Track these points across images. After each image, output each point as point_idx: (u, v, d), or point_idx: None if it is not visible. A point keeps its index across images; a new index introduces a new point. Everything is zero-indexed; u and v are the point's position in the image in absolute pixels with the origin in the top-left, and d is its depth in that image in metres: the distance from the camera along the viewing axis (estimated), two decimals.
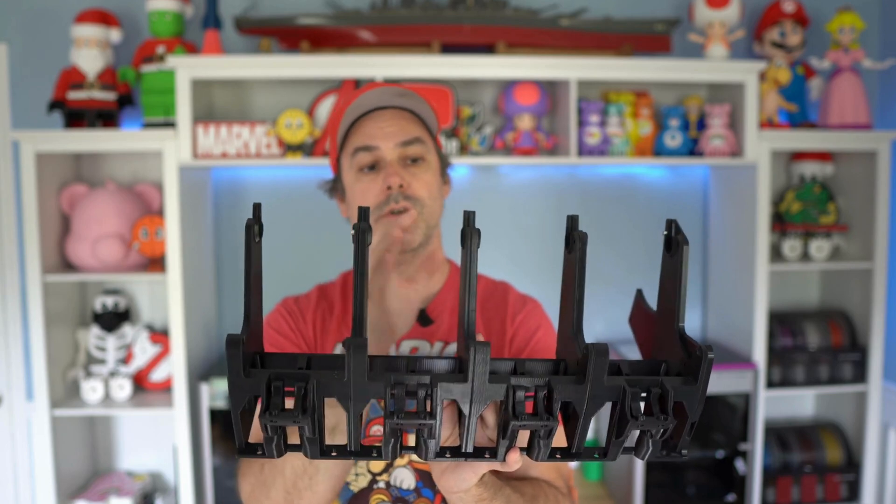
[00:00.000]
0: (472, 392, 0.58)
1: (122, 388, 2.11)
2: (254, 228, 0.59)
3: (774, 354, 2.23)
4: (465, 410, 0.59)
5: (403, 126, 1.02)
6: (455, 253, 1.22)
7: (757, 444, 2.15)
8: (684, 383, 0.59)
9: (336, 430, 0.79)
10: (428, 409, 0.59)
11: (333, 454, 0.61)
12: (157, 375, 2.18)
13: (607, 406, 0.61)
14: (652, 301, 0.69)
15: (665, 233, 0.63)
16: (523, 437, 0.63)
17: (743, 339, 2.23)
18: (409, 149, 1.02)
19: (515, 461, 0.63)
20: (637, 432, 0.61)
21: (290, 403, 0.58)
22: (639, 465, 2.09)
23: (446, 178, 1.12)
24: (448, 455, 0.63)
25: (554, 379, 0.59)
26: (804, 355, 2.25)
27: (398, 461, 0.99)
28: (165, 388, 2.18)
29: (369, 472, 1.00)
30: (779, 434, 2.34)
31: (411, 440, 0.64)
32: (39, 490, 2.06)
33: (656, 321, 0.66)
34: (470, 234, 0.60)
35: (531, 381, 0.59)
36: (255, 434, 0.63)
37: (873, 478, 2.27)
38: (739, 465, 2.16)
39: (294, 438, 0.62)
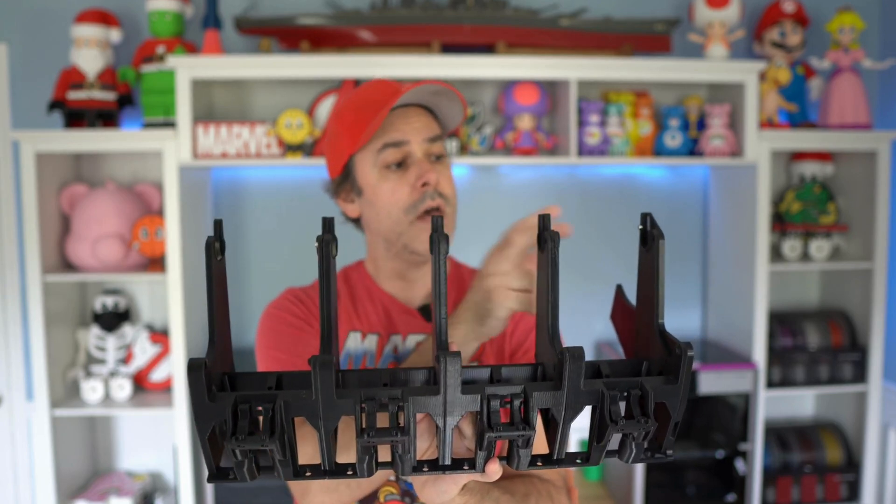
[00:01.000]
0: (445, 404, 0.56)
1: (122, 388, 2.11)
2: (214, 246, 0.57)
3: (774, 354, 2.23)
4: (440, 423, 0.57)
5: (427, 122, 1.01)
6: (461, 251, 1.22)
7: (757, 444, 2.15)
8: (665, 383, 0.58)
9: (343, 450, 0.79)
10: (401, 423, 0.57)
11: (308, 474, 0.59)
12: (157, 375, 2.18)
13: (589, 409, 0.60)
14: (632, 296, 0.68)
15: (640, 227, 0.62)
16: (503, 446, 0.62)
17: (743, 339, 2.23)
18: (435, 145, 1.01)
19: (495, 472, 0.62)
20: (620, 435, 0.59)
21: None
22: (639, 466, 2.09)
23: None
24: (426, 469, 0.61)
25: (530, 386, 0.58)
26: (804, 355, 2.25)
27: None
28: (165, 388, 2.18)
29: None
30: (779, 434, 2.34)
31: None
32: (39, 490, 2.06)
33: (636, 317, 0.65)
34: (437, 240, 0.59)
35: (507, 389, 0.58)
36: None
37: (873, 478, 2.27)
38: (739, 465, 2.16)
39: (268, 460, 0.60)
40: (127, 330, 2.18)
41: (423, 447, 0.66)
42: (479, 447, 0.59)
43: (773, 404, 2.41)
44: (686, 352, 0.57)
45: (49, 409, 2.03)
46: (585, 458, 0.61)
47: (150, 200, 2.17)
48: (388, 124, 0.99)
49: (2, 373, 2.26)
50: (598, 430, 0.58)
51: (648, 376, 0.60)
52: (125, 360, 2.18)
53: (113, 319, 2.15)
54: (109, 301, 2.16)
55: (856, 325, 2.30)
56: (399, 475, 0.60)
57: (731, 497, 2.18)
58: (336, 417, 0.56)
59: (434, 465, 0.62)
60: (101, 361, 2.19)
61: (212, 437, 0.57)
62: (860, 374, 2.25)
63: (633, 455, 0.60)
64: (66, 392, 2.15)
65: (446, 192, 1.00)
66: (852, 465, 2.29)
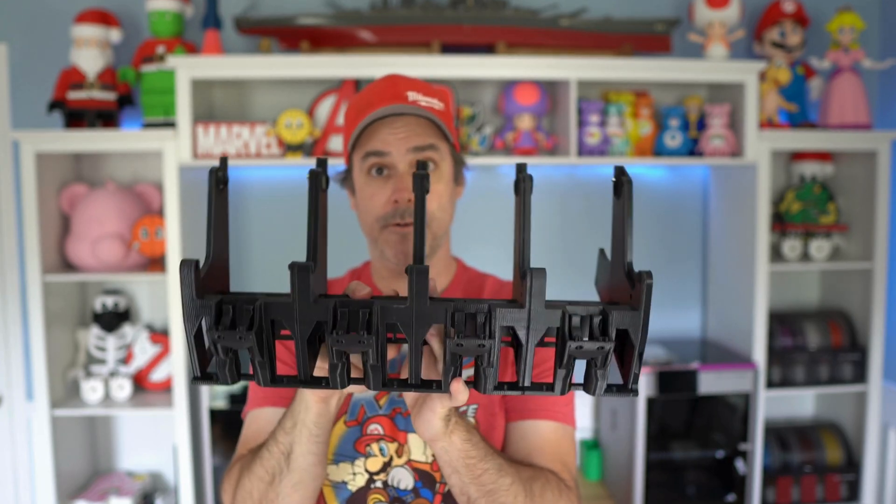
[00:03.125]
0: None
1: (122, 388, 2.11)
2: (216, 175, 0.62)
3: (774, 354, 2.23)
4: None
5: (417, 132, 1.00)
6: (461, 251, 1.22)
7: (757, 444, 2.15)
8: (627, 310, 0.59)
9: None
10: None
11: (395, 387, 0.63)
12: (157, 375, 2.18)
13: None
14: None
15: (613, 179, 0.64)
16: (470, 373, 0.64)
17: (743, 339, 2.23)
18: (422, 154, 1.00)
19: (458, 390, 0.64)
20: (585, 369, 0.61)
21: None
22: (639, 465, 2.09)
23: (460, 178, 1.10)
24: (395, 385, 0.64)
25: (495, 303, 0.60)
26: (804, 355, 2.25)
27: (396, 461, 0.99)
28: (165, 388, 2.18)
29: (366, 471, 1.00)
30: (779, 434, 2.34)
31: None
32: (39, 490, 2.06)
33: (611, 270, 0.67)
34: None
35: (475, 305, 0.61)
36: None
37: (873, 478, 2.27)
38: (739, 465, 2.16)
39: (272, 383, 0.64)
40: (127, 330, 2.18)
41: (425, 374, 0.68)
42: (444, 360, 0.62)
43: (773, 404, 2.41)
44: (645, 279, 0.58)
45: (49, 409, 2.03)
46: (550, 387, 0.63)
47: (150, 200, 2.17)
48: (373, 132, 1.01)
49: (2, 373, 2.26)
50: (560, 352, 0.60)
51: (609, 304, 0.62)
52: (125, 360, 2.18)
53: (113, 319, 2.15)
54: (109, 301, 2.16)
55: (856, 325, 2.30)
56: (369, 387, 0.62)
57: (731, 497, 2.18)
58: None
59: (403, 384, 0.64)
60: (101, 361, 2.19)
61: (198, 342, 0.60)
62: (860, 374, 2.25)
63: (597, 385, 0.61)
64: (66, 392, 2.15)
65: (428, 210, 0.99)
66: (852, 465, 2.29)
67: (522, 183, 0.64)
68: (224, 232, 0.64)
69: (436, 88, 1.06)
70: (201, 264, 0.60)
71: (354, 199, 1.07)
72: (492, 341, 0.59)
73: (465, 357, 0.62)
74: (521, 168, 0.65)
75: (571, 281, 2.44)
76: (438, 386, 0.64)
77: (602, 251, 0.74)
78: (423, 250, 0.61)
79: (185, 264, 0.58)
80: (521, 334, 0.59)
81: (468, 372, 0.66)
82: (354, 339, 0.58)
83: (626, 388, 0.62)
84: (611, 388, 0.62)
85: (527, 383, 0.62)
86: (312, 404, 0.79)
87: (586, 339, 0.59)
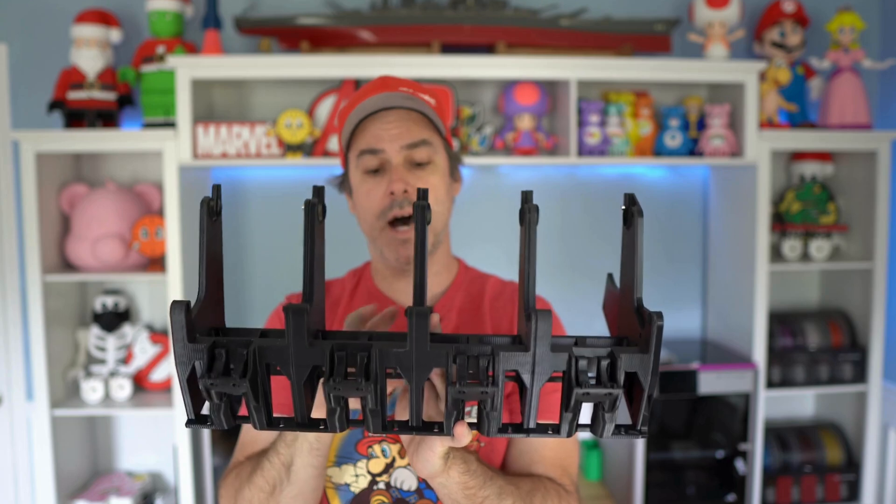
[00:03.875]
0: (414, 359, 0.57)
1: (122, 388, 2.11)
2: (207, 205, 0.59)
3: (774, 354, 2.23)
4: (407, 378, 0.58)
5: (410, 128, 1.00)
6: (461, 251, 1.22)
7: (757, 444, 2.15)
8: (637, 352, 0.57)
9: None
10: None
11: (396, 429, 0.61)
12: (157, 375, 2.18)
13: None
14: None
15: (623, 207, 0.62)
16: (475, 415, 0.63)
17: (743, 339, 2.23)
18: (416, 152, 1.00)
19: (462, 434, 0.63)
20: (592, 409, 0.60)
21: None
22: (639, 465, 2.09)
23: (457, 175, 1.09)
24: (396, 428, 0.62)
25: (499, 347, 0.58)
26: (804, 355, 2.25)
27: (399, 462, 0.99)
28: (165, 388, 2.18)
29: (369, 472, 0.99)
30: (779, 434, 2.34)
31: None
32: (39, 490, 2.06)
33: (620, 298, 0.65)
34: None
35: (478, 348, 0.59)
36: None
37: (873, 478, 2.27)
38: (739, 465, 2.16)
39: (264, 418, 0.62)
40: (127, 330, 2.18)
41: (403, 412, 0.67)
42: (447, 407, 0.60)
43: (773, 404, 2.41)
44: (655, 321, 0.56)
45: (49, 409, 2.03)
46: (556, 428, 0.61)
47: (150, 200, 2.17)
48: (367, 130, 1.01)
49: (2, 373, 2.26)
50: (566, 396, 0.58)
51: (617, 346, 0.60)
52: (125, 360, 2.18)
53: (113, 319, 2.15)
54: (109, 301, 2.16)
55: (856, 325, 2.30)
56: (369, 430, 0.61)
57: (731, 497, 2.18)
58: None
59: (403, 426, 0.62)
60: (101, 361, 2.19)
61: (192, 383, 0.58)
62: (860, 374, 2.25)
63: (604, 428, 0.59)
64: (66, 392, 2.15)
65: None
66: (852, 465, 2.29)
67: (528, 214, 0.61)
68: (218, 265, 0.62)
69: (428, 87, 1.06)
70: (193, 303, 0.58)
71: (352, 201, 1.07)
72: (495, 388, 0.57)
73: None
74: (526, 197, 0.63)
75: (571, 281, 2.45)
76: (441, 428, 0.62)
77: (610, 277, 0.71)
78: (423, 289, 0.59)
79: (175, 307, 0.56)
80: (526, 378, 0.57)
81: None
82: (352, 385, 0.57)
83: (636, 429, 0.60)
84: (619, 430, 0.60)
85: (532, 425, 0.61)
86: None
87: (593, 383, 0.57)
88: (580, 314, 2.55)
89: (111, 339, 2.15)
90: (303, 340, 0.57)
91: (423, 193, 0.60)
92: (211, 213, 0.60)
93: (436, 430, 0.62)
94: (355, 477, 0.99)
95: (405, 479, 0.99)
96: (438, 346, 0.58)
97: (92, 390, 2.09)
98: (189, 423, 0.61)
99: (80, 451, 2.23)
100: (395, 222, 0.99)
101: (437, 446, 0.70)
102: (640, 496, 2.11)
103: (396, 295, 1.07)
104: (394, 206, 0.98)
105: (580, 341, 0.60)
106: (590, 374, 0.58)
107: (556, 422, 0.61)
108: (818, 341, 2.28)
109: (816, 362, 2.25)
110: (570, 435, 0.61)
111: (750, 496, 2.16)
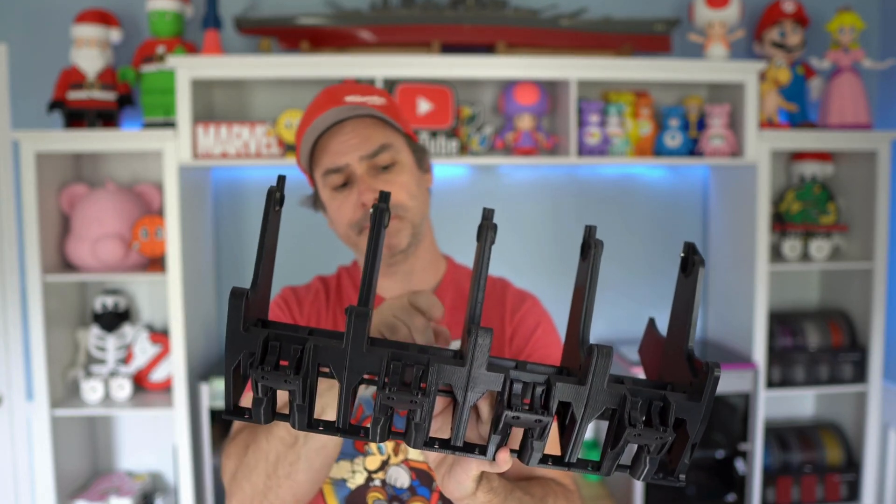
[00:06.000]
0: (469, 378, 0.56)
1: (122, 388, 2.11)
2: (274, 195, 0.59)
3: (774, 354, 2.23)
4: (459, 398, 0.57)
5: (367, 136, 1.00)
6: (450, 248, 1.22)
7: (757, 444, 2.15)
8: (689, 399, 0.57)
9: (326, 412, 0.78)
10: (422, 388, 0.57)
11: (320, 428, 0.59)
12: (157, 375, 2.18)
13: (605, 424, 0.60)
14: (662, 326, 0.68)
15: (682, 255, 0.61)
16: (515, 439, 0.62)
17: (743, 339, 2.23)
18: (377, 159, 1.00)
19: (504, 461, 0.62)
20: (634, 449, 0.59)
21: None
22: None
23: (426, 166, 1.09)
24: (437, 446, 0.61)
25: (555, 377, 0.58)
26: (804, 355, 2.25)
27: (393, 459, 0.99)
28: (165, 388, 2.18)
29: (365, 469, 1.00)
30: (779, 434, 2.34)
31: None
32: (39, 490, 2.06)
33: (665, 343, 0.64)
34: (486, 227, 0.59)
35: (531, 376, 0.58)
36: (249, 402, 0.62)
37: (873, 478, 2.27)
38: (739, 465, 2.16)
39: (286, 411, 0.61)
40: (127, 330, 2.18)
41: (434, 428, 0.65)
42: (493, 430, 0.59)
43: (773, 404, 2.41)
44: (713, 370, 0.56)
45: (49, 409, 2.03)
46: (597, 466, 0.60)
47: (150, 200, 2.17)
48: (326, 147, 1.01)
49: (2, 373, 2.26)
50: (615, 435, 0.58)
51: (671, 392, 0.60)
52: (125, 360, 2.18)
53: (113, 319, 2.15)
54: (109, 301, 2.16)
55: (856, 325, 2.30)
56: (410, 445, 0.59)
57: (731, 497, 2.18)
58: (361, 371, 0.56)
59: (445, 444, 0.61)
60: (101, 361, 2.19)
61: (236, 374, 0.58)
62: (860, 374, 2.25)
63: (645, 471, 0.59)
64: (66, 392, 2.15)
65: (396, 201, 0.99)
66: (852, 465, 2.29)
67: (593, 249, 0.60)
68: (272, 256, 0.61)
69: (373, 88, 1.06)
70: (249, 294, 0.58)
71: (328, 216, 1.08)
72: (550, 419, 0.57)
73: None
74: (590, 232, 0.63)
75: (570, 281, 2.45)
76: (482, 451, 0.61)
77: (652, 321, 0.72)
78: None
79: (235, 295, 0.55)
80: (578, 412, 0.57)
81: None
82: (407, 398, 0.56)
83: (675, 476, 0.60)
84: (657, 475, 0.60)
85: (573, 459, 0.60)
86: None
87: (642, 426, 0.57)
88: None
89: (111, 339, 2.15)
90: (361, 346, 0.56)
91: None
92: (275, 203, 0.59)
93: (476, 452, 0.61)
94: (352, 473, 1.00)
95: (399, 477, 0.99)
96: (495, 369, 0.57)
97: (92, 390, 2.09)
98: (227, 414, 0.60)
99: (80, 451, 2.23)
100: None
101: (472, 469, 0.68)
102: (640, 496, 2.11)
103: (384, 293, 1.07)
104: (366, 216, 0.99)
105: (634, 390, 0.59)
106: (641, 423, 0.58)
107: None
108: (818, 341, 2.28)
109: (816, 362, 2.25)
110: (609, 474, 0.60)
111: (750, 496, 2.16)
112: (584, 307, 0.60)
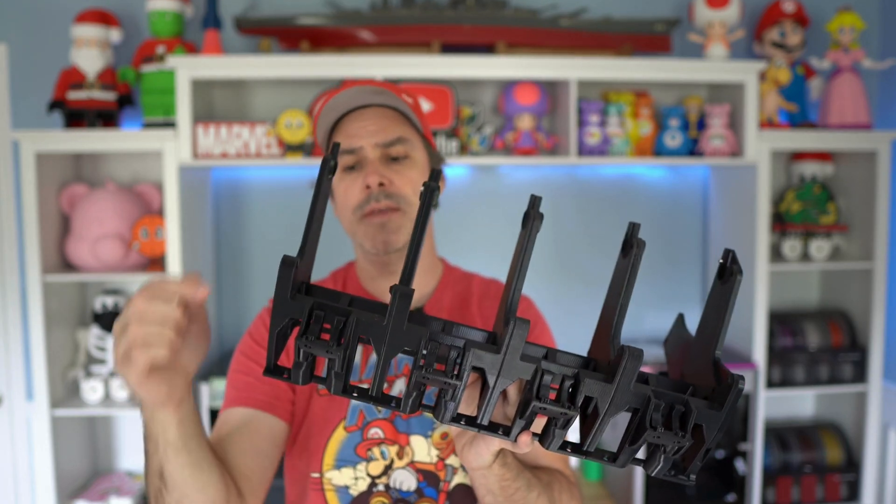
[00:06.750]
0: (502, 365, 0.59)
1: (123, 388, 2.11)
2: (329, 163, 0.61)
3: (774, 354, 2.23)
4: (490, 382, 0.60)
5: (386, 125, 1.01)
6: (450, 248, 1.22)
7: (757, 444, 2.15)
8: (709, 407, 0.60)
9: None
10: (456, 372, 0.60)
11: (354, 395, 0.62)
12: None
13: (623, 416, 0.62)
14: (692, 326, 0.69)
15: (721, 261, 0.63)
16: (538, 424, 0.64)
17: (743, 339, 2.23)
18: (392, 149, 1.00)
19: (526, 444, 0.64)
20: (650, 445, 0.61)
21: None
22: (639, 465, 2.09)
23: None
24: (463, 422, 0.64)
25: (584, 372, 0.60)
26: (804, 355, 2.25)
27: (397, 463, 1.00)
28: None
29: (368, 475, 1.00)
30: (779, 434, 2.34)
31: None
32: (39, 490, 2.06)
33: (692, 345, 0.66)
34: (532, 217, 0.61)
35: (561, 369, 0.60)
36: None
37: (873, 478, 2.27)
38: (739, 465, 2.16)
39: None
40: None
41: (461, 407, 0.67)
42: (519, 415, 0.62)
43: (773, 404, 2.41)
44: (737, 382, 0.58)
45: (49, 409, 2.03)
46: (613, 457, 0.63)
47: (150, 200, 2.17)
48: (342, 130, 1.02)
49: (2, 373, 2.26)
50: (635, 433, 0.60)
51: (693, 398, 0.61)
52: None
53: (113, 319, 2.15)
54: (109, 301, 2.16)
55: (856, 325, 2.30)
56: (438, 420, 0.62)
57: (731, 497, 2.18)
58: (399, 347, 0.59)
59: (471, 421, 0.64)
60: (101, 361, 2.19)
61: (279, 337, 0.61)
62: (860, 374, 2.25)
63: (659, 468, 0.62)
64: (66, 392, 2.15)
65: (402, 192, 0.99)
66: (852, 465, 2.29)
67: (635, 248, 0.62)
68: (320, 223, 0.64)
69: (404, 88, 1.06)
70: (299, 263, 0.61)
71: (334, 202, 1.07)
72: (575, 413, 0.60)
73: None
74: (633, 230, 0.64)
75: (570, 283, 2.45)
76: (505, 431, 0.64)
77: (681, 317, 0.74)
78: (516, 294, 0.60)
79: (286, 263, 0.59)
80: (602, 407, 0.59)
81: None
82: (441, 378, 0.59)
83: (686, 474, 0.63)
84: (669, 472, 0.63)
85: (591, 449, 0.63)
86: (171, 422, 0.74)
87: (662, 429, 0.59)
88: (578, 315, 2.55)
89: (111, 339, 2.15)
90: (402, 324, 0.58)
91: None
92: (329, 171, 0.62)
93: (500, 432, 0.64)
94: (354, 479, 1.00)
95: (404, 480, 0.99)
96: (528, 358, 0.60)
97: (92, 390, 2.09)
98: (267, 372, 0.62)
99: (80, 451, 2.23)
100: (371, 214, 1.00)
101: (494, 445, 0.72)
102: (640, 496, 2.11)
103: (383, 295, 1.07)
104: (370, 199, 0.98)
105: (659, 392, 0.61)
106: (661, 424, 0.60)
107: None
108: (818, 341, 2.28)
109: (816, 362, 2.25)
110: (624, 465, 0.63)
111: (750, 496, 2.16)
112: (619, 304, 0.62)
